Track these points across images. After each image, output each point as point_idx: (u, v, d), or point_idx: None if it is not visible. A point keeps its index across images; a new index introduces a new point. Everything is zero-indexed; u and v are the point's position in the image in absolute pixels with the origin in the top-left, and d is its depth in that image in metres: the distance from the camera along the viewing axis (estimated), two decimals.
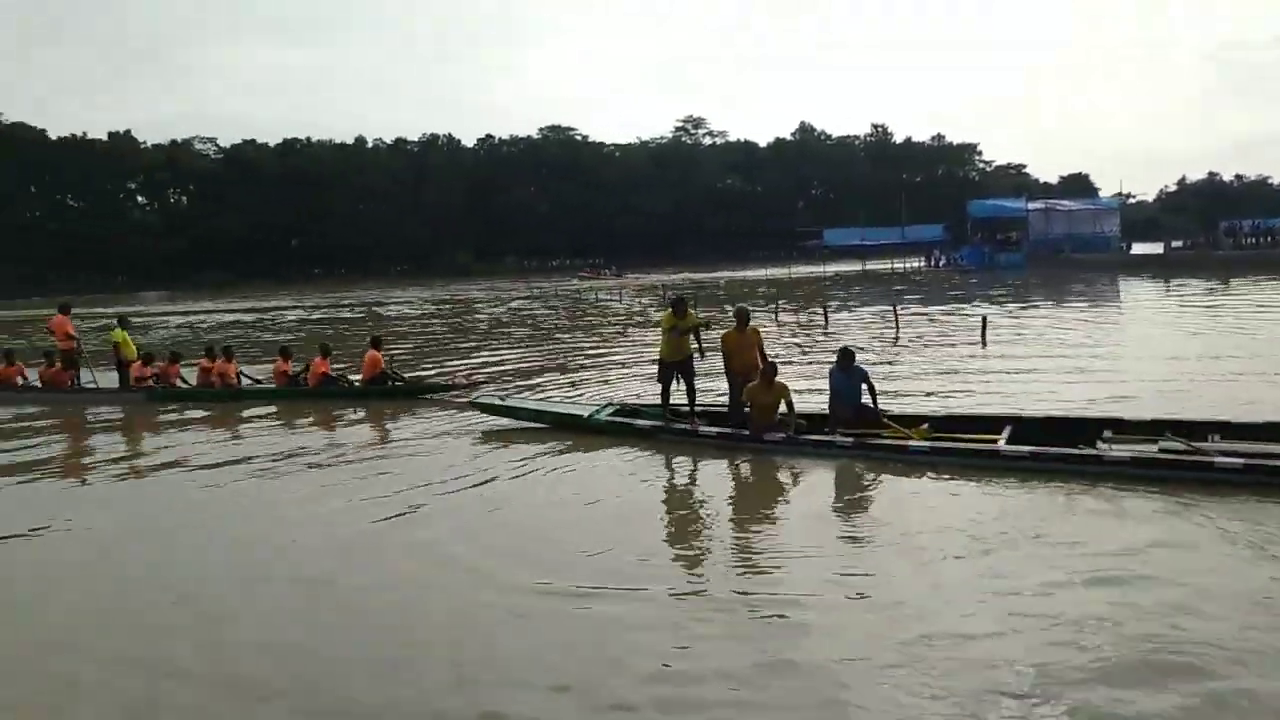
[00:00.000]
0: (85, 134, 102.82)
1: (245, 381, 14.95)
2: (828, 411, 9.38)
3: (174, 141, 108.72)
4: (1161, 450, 7.66)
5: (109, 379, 15.81)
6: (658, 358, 10.54)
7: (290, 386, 14.30)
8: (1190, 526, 6.18)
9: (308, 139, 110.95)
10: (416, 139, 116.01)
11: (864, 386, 9.34)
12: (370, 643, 5.06)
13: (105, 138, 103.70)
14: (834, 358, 9.70)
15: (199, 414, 13.44)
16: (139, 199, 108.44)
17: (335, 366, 14.81)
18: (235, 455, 10.30)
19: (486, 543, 6.71)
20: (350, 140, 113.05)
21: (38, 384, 15.60)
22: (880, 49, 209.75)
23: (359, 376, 14.31)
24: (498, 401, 11.68)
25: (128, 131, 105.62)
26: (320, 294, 65.89)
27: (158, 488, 9.24)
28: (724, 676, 4.39)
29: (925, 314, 26.14)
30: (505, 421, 11.10)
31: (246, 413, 13.25)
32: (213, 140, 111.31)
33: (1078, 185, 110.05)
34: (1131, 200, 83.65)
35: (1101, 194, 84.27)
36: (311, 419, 12.63)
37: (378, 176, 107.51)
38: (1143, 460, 7.47)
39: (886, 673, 4.30)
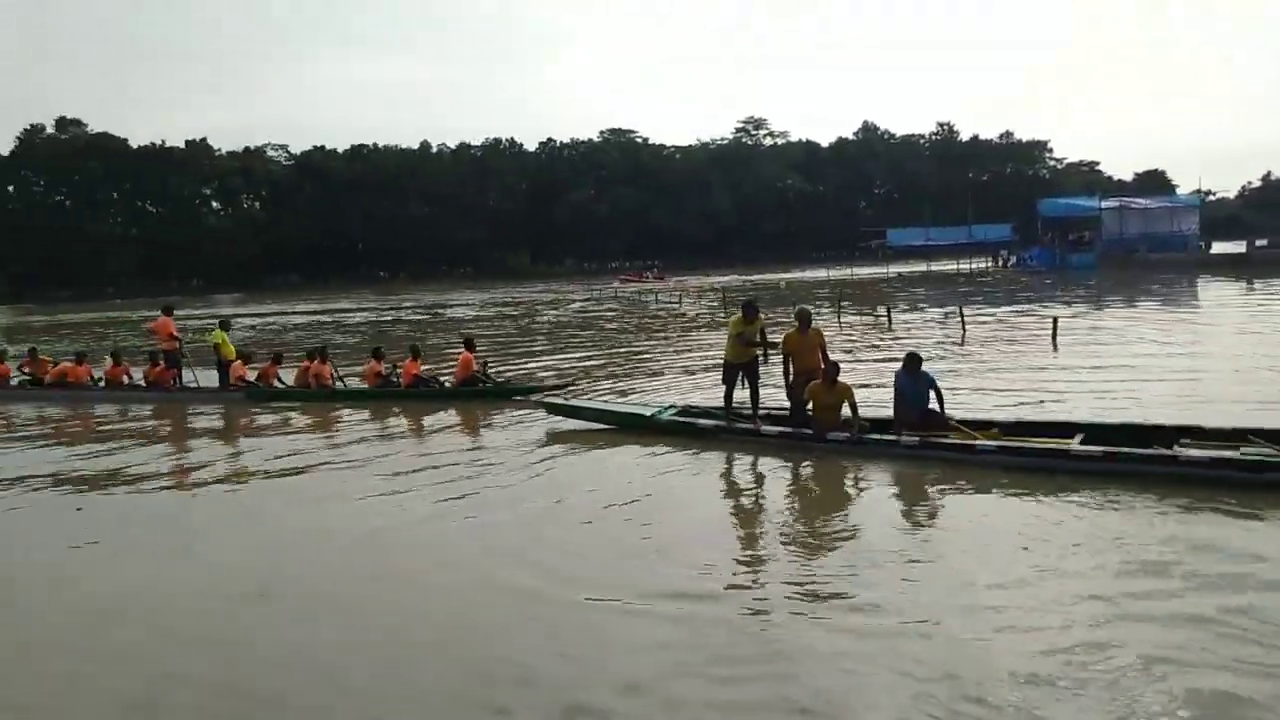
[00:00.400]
0: (164, 142, 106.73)
1: (339, 384, 15.24)
2: (892, 416, 9.18)
3: (247, 149, 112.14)
4: (1243, 454, 7.31)
5: (209, 378, 16.16)
6: (723, 359, 10.57)
7: (382, 387, 14.47)
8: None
9: (374, 144, 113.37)
10: (479, 143, 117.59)
11: (931, 393, 9.11)
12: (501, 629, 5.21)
13: (183, 146, 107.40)
14: (898, 361, 9.51)
15: (294, 413, 13.72)
16: (214, 205, 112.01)
17: (424, 367, 14.93)
18: (331, 454, 10.59)
19: (575, 546, 6.72)
20: (415, 145, 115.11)
21: (142, 383, 16.27)
22: (946, 47, 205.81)
23: (449, 378, 14.55)
24: (564, 402, 11.92)
25: (204, 139, 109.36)
26: (382, 297, 67.23)
27: (257, 488, 9.31)
28: (785, 679, 4.33)
29: (993, 316, 25.49)
30: (573, 423, 11.18)
31: (340, 412, 13.54)
32: (284, 147, 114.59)
33: (1154, 182, 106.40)
34: (1212, 197, 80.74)
35: (1179, 191, 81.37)
36: (404, 419, 12.84)
37: (441, 181, 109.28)
38: (1222, 462, 7.17)
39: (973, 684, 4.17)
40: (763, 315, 10.69)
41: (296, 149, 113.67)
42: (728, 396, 10.34)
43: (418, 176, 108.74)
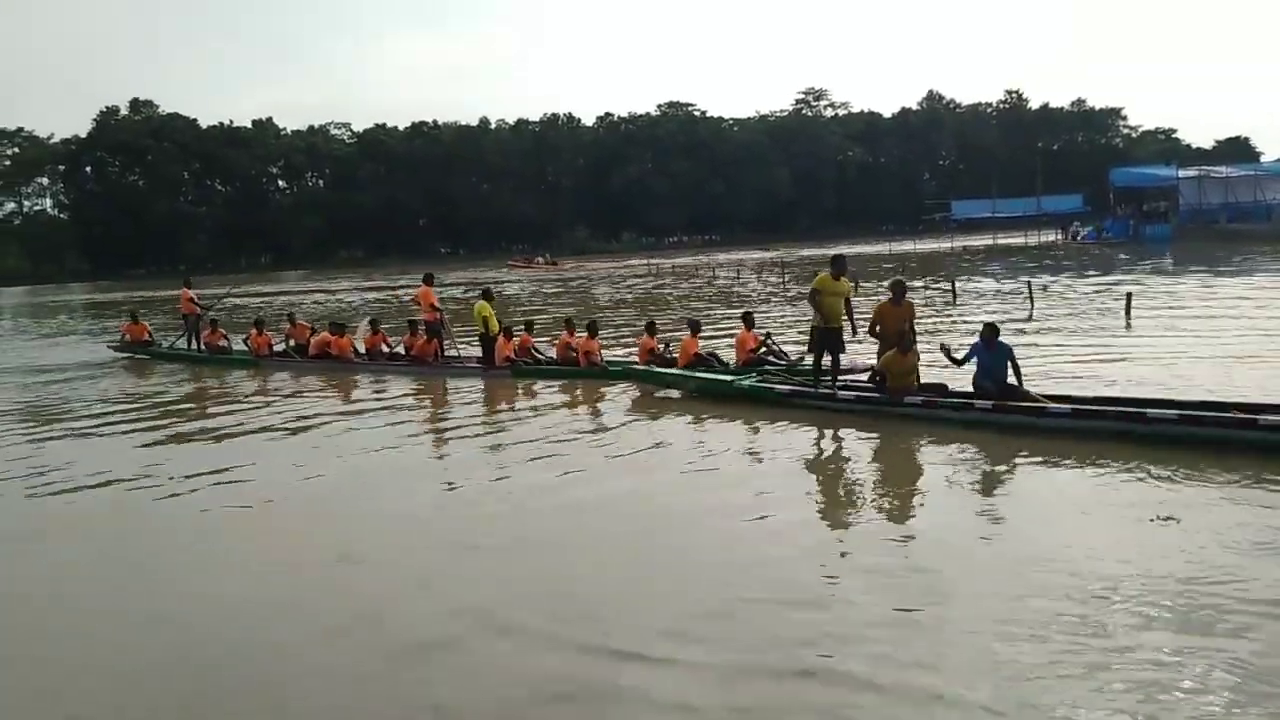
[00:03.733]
0: (231, 122, 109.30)
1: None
2: (972, 389, 9.19)
3: (311, 127, 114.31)
4: None
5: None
6: (811, 325, 10.71)
7: (652, 363, 12.67)
8: None
9: (435, 122, 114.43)
10: (537, 119, 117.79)
11: (1008, 365, 9.06)
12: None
13: (249, 125, 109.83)
14: (972, 333, 9.44)
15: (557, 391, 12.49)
16: (280, 183, 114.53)
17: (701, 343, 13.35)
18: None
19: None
20: (474, 122, 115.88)
21: (401, 351, 15.79)
22: (1017, 6, 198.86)
23: (730, 355, 12.95)
24: (650, 370, 12.24)
25: (269, 119, 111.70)
26: (444, 270, 68.00)
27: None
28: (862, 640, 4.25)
29: (1062, 291, 24.66)
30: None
31: (606, 389, 12.22)
32: (347, 125, 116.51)
33: (1236, 150, 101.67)
34: None
35: (1264, 158, 77.59)
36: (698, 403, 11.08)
37: (500, 156, 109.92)
38: None
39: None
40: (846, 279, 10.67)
41: (358, 127, 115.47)
42: (816, 364, 10.51)
43: (476, 153, 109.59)
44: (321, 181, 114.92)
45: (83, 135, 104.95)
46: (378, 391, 13.56)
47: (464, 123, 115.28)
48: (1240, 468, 6.84)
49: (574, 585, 5.59)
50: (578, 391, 12.38)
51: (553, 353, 14.31)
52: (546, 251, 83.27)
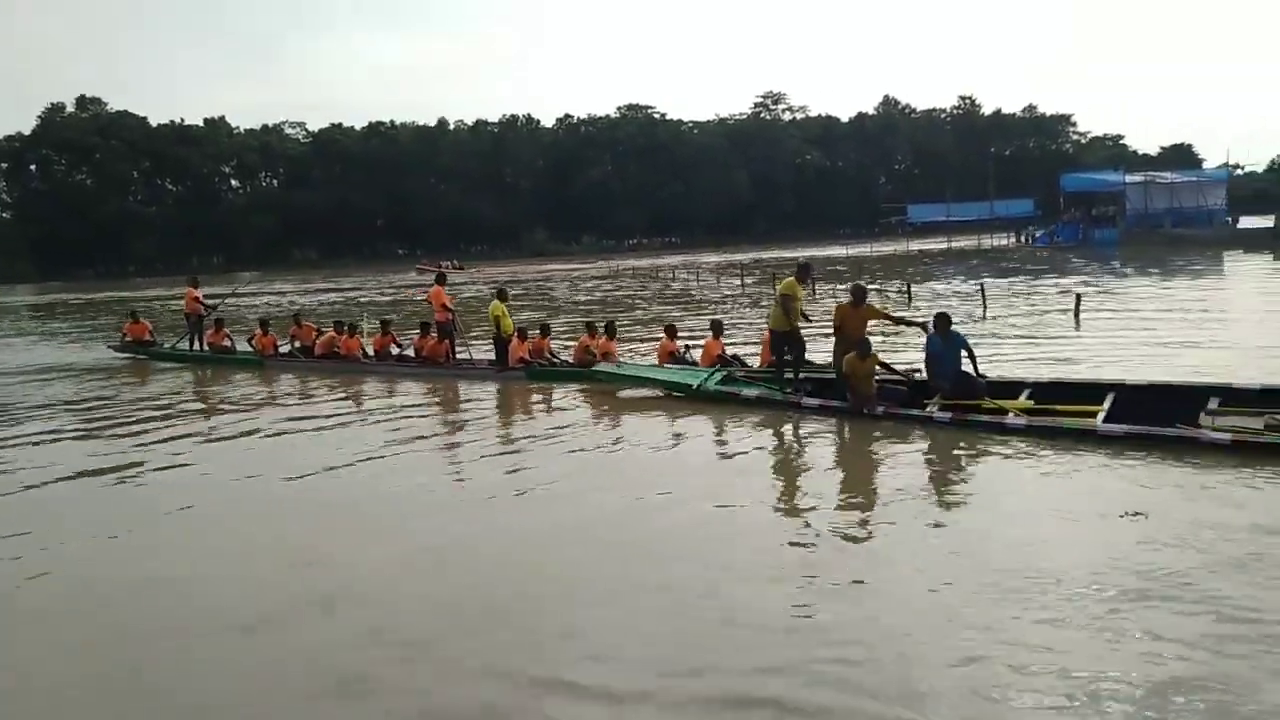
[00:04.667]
0: (183, 120, 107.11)
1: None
2: (927, 379, 9.38)
3: (265, 126, 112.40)
4: (1267, 428, 7.35)
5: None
6: (769, 329, 10.83)
7: (672, 365, 12.21)
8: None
9: (391, 122, 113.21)
10: (496, 120, 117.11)
11: (963, 353, 9.23)
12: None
13: (201, 124, 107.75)
14: (916, 338, 9.57)
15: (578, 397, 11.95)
16: (233, 183, 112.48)
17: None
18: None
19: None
20: (432, 123, 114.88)
21: (411, 354, 15.40)
22: (968, 18, 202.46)
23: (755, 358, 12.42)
24: (617, 370, 12.21)
25: (222, 117, 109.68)
26: (399, 273, 67.33)
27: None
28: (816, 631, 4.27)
29: (1014, 292, 25.19)
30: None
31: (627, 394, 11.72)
32: (301, 124, 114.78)
33: (1180, 156, 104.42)
34: (1240, 171, 79.15)
35: (1207, 165, 79.88)
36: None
37: (458, 157, 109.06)
38: (1243, 442, 7.13)
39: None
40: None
41: (313, 127, 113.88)
42: (779, 366, 10.61)
43: (434, 154, 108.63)
44: (275, 181, 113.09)
45: (26, 133, 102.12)
46: (388, 393, 13.26)
47: (421, 123, 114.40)
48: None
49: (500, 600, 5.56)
50: (598, 395, 11.88)
51: (568, 355, 13.92)
52: (455, 257, 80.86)
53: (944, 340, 9.25)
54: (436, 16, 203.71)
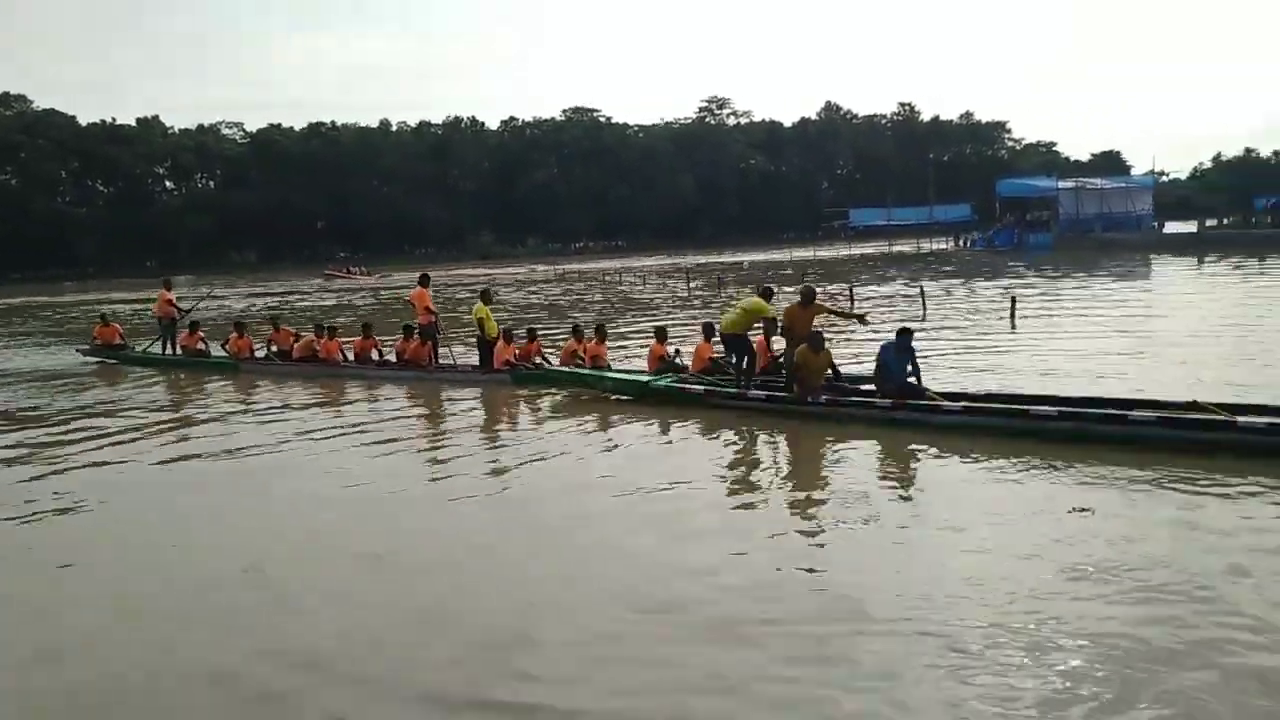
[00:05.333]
0: (114, 120, 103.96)
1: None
2: (874, 385, 9.69)
3: (201, 126, 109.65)
4: (1190, 416, 7.75)
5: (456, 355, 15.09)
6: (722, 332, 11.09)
7: (664, 371, 11.81)
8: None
9: (332, 123, 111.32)
10: (440, 121, 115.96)
11: (909, 364, 9.54)
12: None
13: (134, 123, 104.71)
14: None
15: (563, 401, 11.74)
16: (167, 184, 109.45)
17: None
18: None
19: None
20: (375, 124, 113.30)
21: (393, 358, 15.07)
22: (910, 24, 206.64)
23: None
24: (569, 371, 12.29)
25: (156, 117, 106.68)
26: (339, 276, 66.25)
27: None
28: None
29: (953, 295, 25.79)
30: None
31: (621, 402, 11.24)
32: (239, 125, 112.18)
33: (1110, 163, 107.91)
34: (1165, 178, 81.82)
35: (1134, 172, 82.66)
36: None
37: (401, 159, 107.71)
38: (1169, 420, 7.63)
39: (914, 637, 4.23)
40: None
41: (252, 127, 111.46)
42: (738, 365, 10.78)
43: (377, 155, 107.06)
44: (212, 182, 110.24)
45: None
46: (371, 398, 12.92)
47: (364, 124, 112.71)
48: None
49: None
50: (581, 400, 11.70)
51: (557, 361, 13.46)
52: (364, 263, 79.12)
53: (899, 351, 9.53)
54: (378, 17, 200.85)
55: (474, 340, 14.43)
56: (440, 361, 14.69)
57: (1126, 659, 4.14)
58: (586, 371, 12.22)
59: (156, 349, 18.35)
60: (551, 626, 4.88)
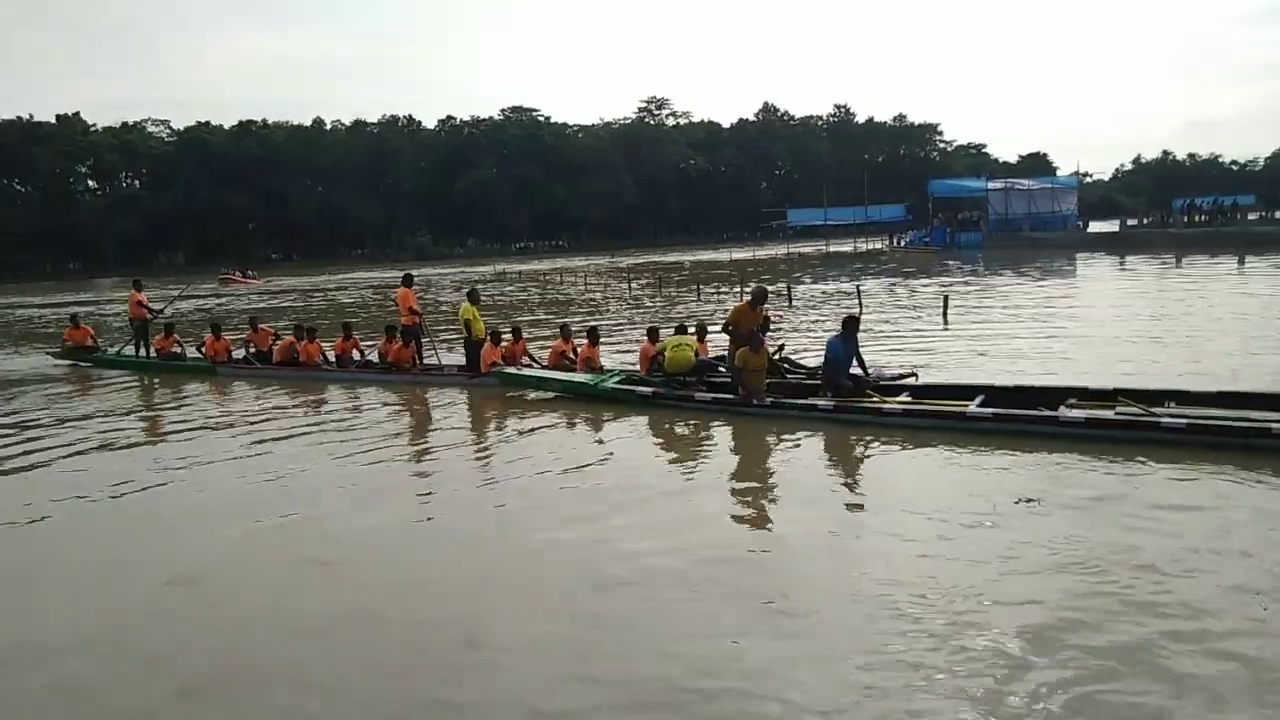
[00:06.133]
0: (31, 116, 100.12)
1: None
2: (821, 378, 9.94)
3: (125, 124, 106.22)
4: (1117, 413, 8.07)
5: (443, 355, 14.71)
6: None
7: (654, 372, 11.56)
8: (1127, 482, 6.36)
9: (263, 121, 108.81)
10: (376, 120, 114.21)
11: (854, 358, 9.77)
12: None
13: (53, 120, 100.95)
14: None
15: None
16: (90, 183, 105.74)
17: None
18: None
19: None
20: (308, 122, 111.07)
21: (375, 359, 14.60)
22: (844, 28, 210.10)
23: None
24: (517, 372, 12.26)
25: (77, 114, 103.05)
26: (275, 276, 64.83)
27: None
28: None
29: (887, 293, 26.36)
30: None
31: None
32: (165, 123, 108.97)
33: (1036, 164, 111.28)
34: (1088, 179, 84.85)
35: (1060, 173, 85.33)
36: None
37: (336, 158, 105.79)
38: (1096, 421, 7.93)
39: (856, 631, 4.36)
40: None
41: (179, 125, 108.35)
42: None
43: (311, 154, 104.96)
44: (138, 182, 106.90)
45: None
46: (349, 402, 12.46)
47: (296, 122, 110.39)
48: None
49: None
50: (570, 402, 11.31)
51: (546, 361, 13.03)
52: (253, 268, 76.57)
53: (846, 343, 9.73)
54: (311, 13, 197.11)
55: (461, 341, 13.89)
56: (426, 362, 14.29)
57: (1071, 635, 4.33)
58: (537, 373, 12.20)
59: (130, 351, 17.91)
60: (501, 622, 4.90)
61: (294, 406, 12.35)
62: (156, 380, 15.95)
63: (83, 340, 18.61)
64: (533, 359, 13.26)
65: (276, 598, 5.51)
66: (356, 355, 14.93)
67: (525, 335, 14.15)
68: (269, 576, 5.94)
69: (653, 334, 12.20)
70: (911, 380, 10.07)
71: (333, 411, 11.81)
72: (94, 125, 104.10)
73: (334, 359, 14.96)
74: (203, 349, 16.47)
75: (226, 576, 5.95)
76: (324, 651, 4.71)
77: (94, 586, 5.94)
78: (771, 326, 10.89)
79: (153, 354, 17.44)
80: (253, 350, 16.09)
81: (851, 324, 9.83)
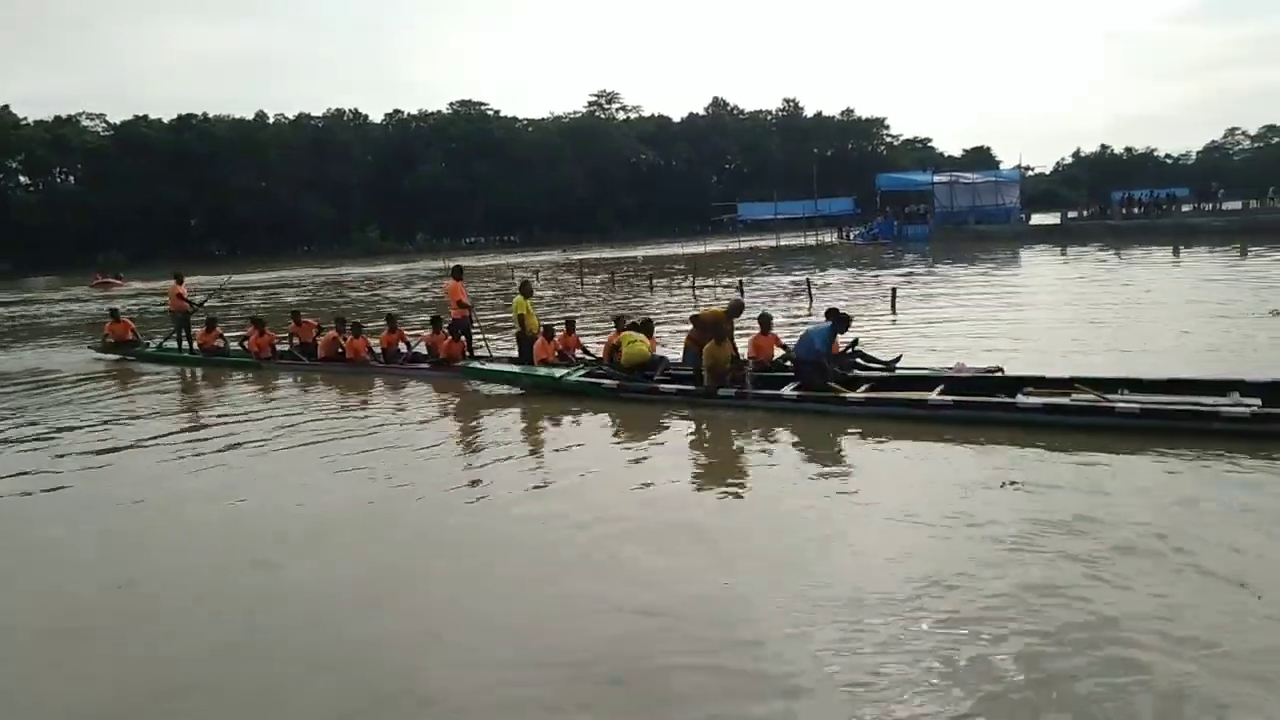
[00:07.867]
0: None
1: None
2: (793, 367, 10.15)
3: (58, 118, 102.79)
4: (1073, 399, 8.36)
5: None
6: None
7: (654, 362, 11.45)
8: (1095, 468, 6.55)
9: (204, 115, 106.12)
10: (320, 114, 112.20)
11: (829, 348, 10.01)
12: None
13: None
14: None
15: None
16: (21, 179, 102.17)
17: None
18: None
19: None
20: (250, 116, 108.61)
21: (423, 351, 14.20)
22: (793, 23, 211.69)
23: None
24: (481, 367, 12.34)
25: (6, 107, 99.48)
26: (219, 274, 63.20)
27: None
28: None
29: (837, 286, 26.68)
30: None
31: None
32: (101, 117, 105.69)
33: (980, 158, 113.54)
34: (1030, 172, 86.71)
35: (1003, 166, 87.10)
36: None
37: (279, 153, 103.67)
38: (1053, 407, 8.23)
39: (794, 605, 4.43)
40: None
41: (115, 119, 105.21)
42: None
43: (254, 149, 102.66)
44: (73, 178, 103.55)
45: None
46: (394, 400, 12.00)
47: (238, 116, 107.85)
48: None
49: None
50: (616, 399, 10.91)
51: (599, 352, 12.65)
52: (120, 271, 72.63)
53: (824, 333, 9.92)
54: (252, 5, 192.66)
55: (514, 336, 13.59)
56: (477, 355, 13.96)
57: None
58: (503, 368, 12.27)
59: (172, 345, 17.61)
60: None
61: (352, 405, 11.82)
62: (201, 375, 15.50)
63: (124, 335, 18.37)
64: (586, 351, 12.86)
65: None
66: (403, 348, 14.61)
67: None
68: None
69: (619, 322, 12.58)
70: (999, 374, 9.69)
71: (400, 408, 11.40)
72: (25, 119, 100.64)
73: (380, 353, 14.64)
74: (245, 343, 16.31)
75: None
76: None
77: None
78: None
79: (195, 348, 17.15)
80: (296, 344, 15.73)
81: (835, 316, 10.04)
